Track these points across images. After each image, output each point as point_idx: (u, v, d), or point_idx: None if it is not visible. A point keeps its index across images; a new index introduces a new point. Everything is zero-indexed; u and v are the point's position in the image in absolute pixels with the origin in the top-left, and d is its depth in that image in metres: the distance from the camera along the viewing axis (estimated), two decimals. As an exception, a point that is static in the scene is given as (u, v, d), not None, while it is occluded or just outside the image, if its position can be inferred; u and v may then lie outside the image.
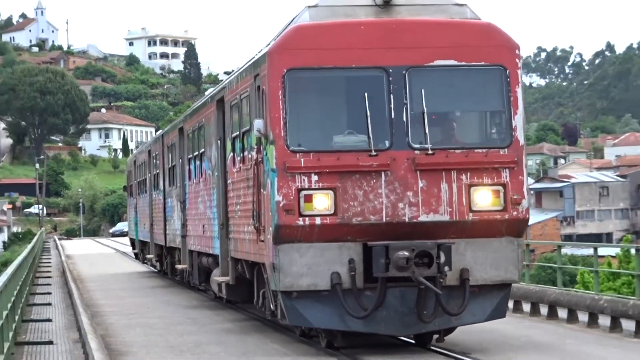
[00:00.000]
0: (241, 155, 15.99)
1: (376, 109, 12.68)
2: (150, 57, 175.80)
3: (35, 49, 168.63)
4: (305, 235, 12.61)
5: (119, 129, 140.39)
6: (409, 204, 12.62)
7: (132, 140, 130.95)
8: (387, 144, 12.70)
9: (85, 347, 16.10)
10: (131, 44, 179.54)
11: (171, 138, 28.87)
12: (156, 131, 51.97)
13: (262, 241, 13.56)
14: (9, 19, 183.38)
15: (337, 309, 12.61)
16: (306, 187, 12.49)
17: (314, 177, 12.47)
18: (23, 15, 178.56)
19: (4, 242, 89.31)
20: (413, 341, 14.53)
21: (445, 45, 13.08)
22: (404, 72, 12.80)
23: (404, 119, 12.74)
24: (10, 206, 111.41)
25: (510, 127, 13.16)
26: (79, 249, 71.51)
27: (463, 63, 13.12)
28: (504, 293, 13.47)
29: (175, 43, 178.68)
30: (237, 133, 16.46)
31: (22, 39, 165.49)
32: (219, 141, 19.11)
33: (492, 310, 13.30)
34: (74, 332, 19.56)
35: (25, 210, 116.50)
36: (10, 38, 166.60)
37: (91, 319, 21.06)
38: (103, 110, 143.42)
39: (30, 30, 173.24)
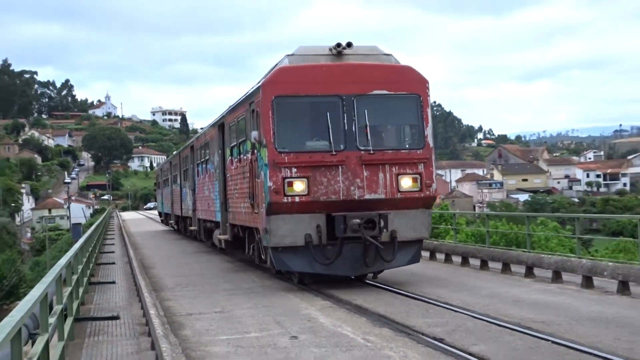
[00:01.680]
0: (238, 157, 20.90)
1: (334, 123, 16.98)
2: (163, 120, 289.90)
3: (106, 117, 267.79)
4: (288, 208, 16.67)
5: (147, 156, 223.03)
6: (358, 187, 16.90)
7: (154, 162, 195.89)
8: (342, 146, 16.96)
9: (130, 264, 25.65)
10: (154, 114, 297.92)
11: (185, 153, 38.16)
12: (167, 157, 65.94)
13: (256, 213, 17.89)
14: (92, 102, 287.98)
15: (308, 259, 16.74)
16: (288, 176, 16.62)
17: (294, 169, 16.67)
18: (99, 101, 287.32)
19: (91, 214, 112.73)
20: (353, 278, 18.44)
21: (379, 81, 17.48)
22: (352, 98, 17.16)
23: (353, 129, 17.06)
24: (94, 195, 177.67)
25: (423, 135, 17.76)
26: (128, 216, 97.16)
27: (391, 92, 17.69)
28: (418, 246, 18.11)
29: (176, 113, 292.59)
30: (235, 143, 21.48)
31: (99, 112, 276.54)
32: (220, 151, 24.63)
33: (411, 257, 17.98)
34: (125, 258, 29.24)
35: (101, 197, 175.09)
36: (93, 112, 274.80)
37: (135, 251, 31.90)
38: (140, 147, 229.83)
39: (102, 108, 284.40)
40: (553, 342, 11.09)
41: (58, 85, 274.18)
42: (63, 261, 12.47)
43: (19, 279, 66.21)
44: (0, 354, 5.56)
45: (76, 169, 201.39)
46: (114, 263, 27.27)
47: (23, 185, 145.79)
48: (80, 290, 15.61)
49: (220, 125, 24.75)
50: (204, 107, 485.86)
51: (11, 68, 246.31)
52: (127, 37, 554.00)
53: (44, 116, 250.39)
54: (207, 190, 28.44)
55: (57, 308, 10.59)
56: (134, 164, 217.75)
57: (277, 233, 16.56)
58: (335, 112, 17.05)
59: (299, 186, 16.59)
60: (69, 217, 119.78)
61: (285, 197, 16.48)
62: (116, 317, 14.64)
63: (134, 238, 43.03)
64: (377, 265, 17.36)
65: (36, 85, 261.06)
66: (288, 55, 17.78)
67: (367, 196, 16.89)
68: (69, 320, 11.90)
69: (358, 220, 16.05)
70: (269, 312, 14.64)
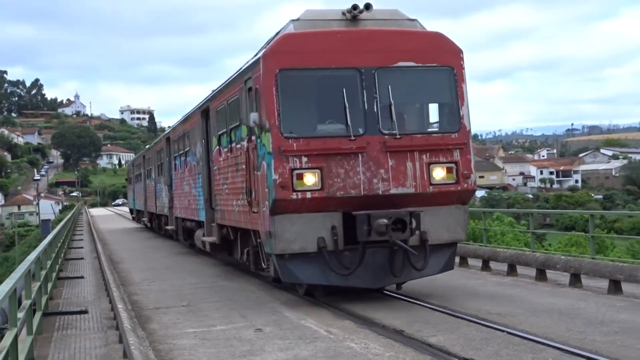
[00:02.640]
0: (229, 146, 16.62)
1: (352, 102, 13.10)
2: (132, 119, 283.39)
3: (75, 116, 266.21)
4: (297, 207, 12.83)
5: (116, 154, 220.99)
6: (382, 180, 13.03)
7: (123, 160, 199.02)
8: (361, 130, 13.12)
9: (99, 258, 24.80)
10: (122, 113, 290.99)
11: (160, 145, 33.29)
12: (135, 154, 61.14)
13: (255, 212, 13.94)
14: (61, 101, 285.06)
15: (322, 268, 12.93)
16: (298, 167, 12.80)
17: (304, 159, 12.79)
18: (68, 100, 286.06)
19: (59, 210, 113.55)
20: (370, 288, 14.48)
21: (405, 50, 13.62)
22: (373, 71, 13.33)
23: (375, 109, 13.21)
24: (63, 192, 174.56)
25: (458, 115, 13.79)
26: (97, 213, 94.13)
27: (420, 64, 13.71)
28: (452, 250, 14.24)
29: (144, 112, 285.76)
30: (224, 130, 17.11)
31: (68, 111, 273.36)
32: (203, 140, 20.41)
33: (444, 264, 14.09)
34: (94, 254, 27.96)
35: (70, 194, 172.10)
36: (62, 110, 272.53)
37: (103, 248, 30.66)
38: (108, 145, 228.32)
39: (71, 106, 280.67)
40: (508, 332, 11.11)
41: (28, 84, 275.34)
42: (32, 256, 12.40)
43: (-13, 275, 65.93)
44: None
45: (45, 167, 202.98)
46: (82, 258, 26.92)
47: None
48: (49, 285, 15.47)
49: (204, 111, 20.63)
50: (172, 107, 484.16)
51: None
52: (97, 38, 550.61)
53: (13, 114, 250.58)
54: (187, 185, 24.34)
55: (26, 303, 10.46)
56: (103, 162, 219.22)
57: (284, 237, 12.79)
58: (352, 89, 13.36)
59: (311, 179, 12.95)
60: (38, 214, 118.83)
61: (294, 193, 12.82)
62: (84, 312, 14.43)
63: (103, 235, 42.22)
64: (405, 275, 13.64)
65: (6, 84, 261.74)
66: (293, 20, 14.04)
67: (393, 190, 13.16)
68: (38, 315, 11.83)
69: (385, 221, 12.40)
70: (234, 306, 14.51)
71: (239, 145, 15.56)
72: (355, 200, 12.96)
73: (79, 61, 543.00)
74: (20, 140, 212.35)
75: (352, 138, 13.03)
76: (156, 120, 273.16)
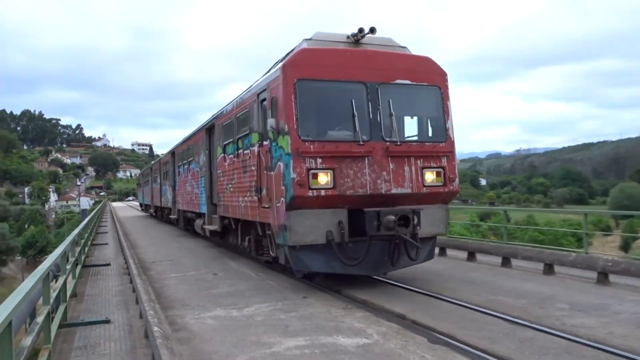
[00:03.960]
0: (235, 153, 12.95)
1: (359, 111, 9.95)
2: (138, 149, 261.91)
3: (103, 147, 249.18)
4: (311, 203, 9.49)
5: (128, 170, 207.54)
6: (384, 180, 9.92)
7: (132, 173, 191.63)
8: (366, 137, 9.94)
9: (117, 232, 23.97)
10: (133, 145, 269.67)
11: (165, 159, 28.96)
12: (141, 170, 56.00)
13: (266, 208, 10.46)
14: (94, 138, 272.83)
15: (329, 257, 9.70)
16: (313, 167, 9.59)
17: (319, 160, 9.60)
18: (99, 137, 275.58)
19: (93, 203, 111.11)
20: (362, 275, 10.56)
21: (402, 69, 10.58)
22: (377, 86, 10.25)
23: (378, 119, 10.07)
24: (95, 193, 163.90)
25: (445, 128, 10.69)
26: (116, 205, 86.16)
27: (414, 82, 10.63)
28: (433, 242, 10.99)
29: (146, 145, 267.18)
30: (231, 140, 13.32)
31: (99, 144, 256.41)
32: (206, 151, 16.87)
33: (428, 254, 10.74)
34: (115, 234, 24.85)
35: (100, 193, 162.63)
36: (95, 143, 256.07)
37: (120, 226, 29.09)
38: (124, 164, 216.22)
39: (100, 141, 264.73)
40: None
41: (73, 127, 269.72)
42: (75, 231, 12.09)
43: (47, 242, 63.01)
44: (36, 288, 5.36)
45: (84, 177, 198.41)
46: (107, 232, 25.97)
47: (50, 186, 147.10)
48: (86, 248, 15.00)
49: (208, 128, 16.80)
50: (164, 142, 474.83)
51: (44, 116, 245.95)
52: (118, 100, 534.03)
53: (64, 146, 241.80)
54: (190, 186, 20.09)
55: (72, 260, 10.20)
56: (120, 174, 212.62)
57: (298, 230, 9.60)
58: (359, 100, 10.19)
59: (324, 178, 9.81)
60: (79, 206, 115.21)
61: (310, 191, 9.59)
62: (108, 264, 14.05)
63: (120, 219, 40.20)
64: (401, 264, 10.38)
65: (59, 127, 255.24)
66: (306, 39, 10.93)
67: (393, 190, 10.05)
68: (79, 267, 11.48)
69: (393, 217, 9.49)
70: (201, 261, 14.35)
71: (247, 151, 11.93)
72: (361, 198, 9.76)
73: (106, 113, 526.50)
74: (68, 161, 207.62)
75: (361, 143, 9.84)
76: (154, 150, 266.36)
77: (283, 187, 9.53)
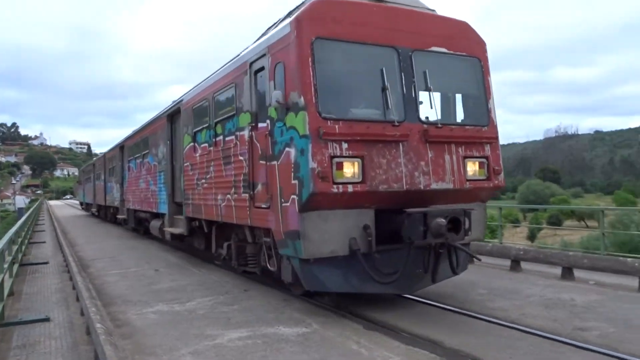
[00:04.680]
0: (212, 140, 9.89)
1: (391, 84, 7.14)
2: (76, 148, 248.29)
3: (40, 145, 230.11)
4: (333, 202, 6.60)
5: (66, 169, 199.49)
6: (423, 173, 7.16)
7: (70, 172, 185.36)
8: (401, 117, 7.12)
9: (56, 231, 22.96)
10: (70, 144, 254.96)
11: (111, 154, 24.91)
12: (79, 169, 49.34)
13: (264, 208, 7.54)
14: (31, 137, 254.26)
15: (352, 273, 6.91)
16: (338, 154, 6.63)
17: (344, 145, 6.65)
18: (36, 135, 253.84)
19: (29, 202, 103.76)
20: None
21: (437, 35, 7.79)
22: (410, 53, 7.43)
23: (413, 95, 7.29)
24: (31, 191, 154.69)
25: (487, 109, 8.03)
26: (53, 203, 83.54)
27: (451, 52, 7.90)
28: (468, 249, 7.71)
29: (84, 144, 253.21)
30: (205, 126, 10.33)
31: (35, 142, 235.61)
32: (168, 142, 13.52)
33: (465, 263, 8.09)
34: (53, 232, 23.54)
35: (36, 192, 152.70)
36: (31, 141, 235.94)
37: (59, 225, 27.89)
38: (61, 163, 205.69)
39: (37, 140, 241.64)
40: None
41: (9, 125, 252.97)
42: (12, 230, 11.34)
43: (-20, 243, 58.53)
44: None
45: (19, 175, 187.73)
46: (44, 231, 24.38)
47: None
48: (23, 247, 14.14)
49: (171, 115, 13.36)
50: (103, 141, 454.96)
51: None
52: (55, 99, 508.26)
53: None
54: (145, 182, 16.44)
55: (9, 258, 9.54)
56: (57, 173, 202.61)
57: (314, 238, 6.71)
58: (390, 70, 7.33)
59: (351, 169, 6.84)
60: (14, 204, 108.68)
61: (335, 186, 6.66)
62: (46, 262, 13.27)
63: (58, 217, 38.06)
64: (441, 277, 7.70)
65: None
66: None
67: (433, 185, 7.29)
68: (16, 266, 10.80)
69: (444, 221, 6.77)
70: (142, 257, 13.84)
71: (231, 137, 8.95)
72: (395, 195, 6.95)
73: (44, 112, 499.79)
74: (2, 159, 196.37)
75: (396, 124, 7.03)
76: (92, 149, 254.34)
77: (295, 181, 6.72)
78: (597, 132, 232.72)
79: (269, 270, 8.35)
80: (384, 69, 7.13)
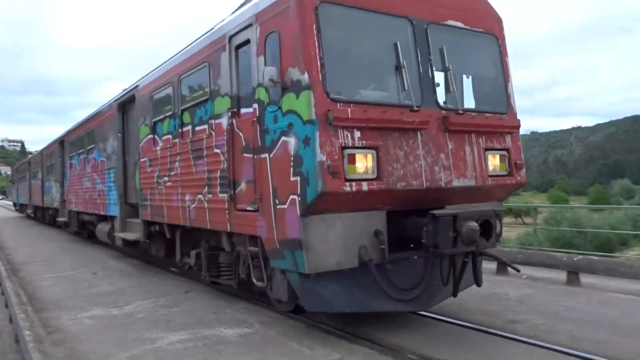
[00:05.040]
0: (178, 131, 8.35)
1: (406, 61, 5.84)
2: (9, 146, 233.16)
3: None
4: (342, 204, 5.35)
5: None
6: (443, 167, 5.86)
7: (2, 171, 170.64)
8: (418, 101, 5.84)
9: None
10: (2, 142, 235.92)
11: (50, 150, 22.39)
12: (11, 168, 42.86)
13: (251, 211, 6.20)
14: None
15: (361, 289, 5.71)
16: (350, 144, 5.31)
17: (357, 134, 5.34)
18: None
19: None
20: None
21: (452, 7, 6.48)
22: (425, 26, 6.12)
23: (430, 75, 6.02)
24: None
25: (506, 94, 6.81)
26: None
27: (468, 27, 6.60)
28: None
29: (17, 142, 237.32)
30: (169, 114, 8.79)
31: None
32: (120, 134, 11.86)
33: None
34: None
35: None
36: None
37: None
38: None
39: None
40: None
41: None
42: None
43: None
44: None
45: None
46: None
47: None
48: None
49: (123, 104, 11.65)
50: (38, 139, 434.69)
51: None
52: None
53: None
54: (90, 181, 14.53)
55: None
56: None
57: (320, 248, 5.27)
58: (405, 44, 5.94)
59: (364, 164, 5.36)
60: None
61: (347, 184, 5.19)
62: (-26, 268, 12.50)
63: None
64: (462, 289, 6.52)
65: None
66: None
67: (455, 182, 5.99)
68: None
69: (476, 225, 5.45)
70: (79, 260, 13.30)
71: (203, 127, 7.48)
72: (412, 194, 5.71)
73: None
74: None
75: (415, 109, 5.79)
76: (26, 146, 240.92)
77: (295, 178, 5.38)
78: (533, 132, 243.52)
79: (247, 283, 7.22)
80: (398, 43, 5.88)
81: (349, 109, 5.29)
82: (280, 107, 5.63)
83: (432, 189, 5.80)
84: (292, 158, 5.42)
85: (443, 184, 5.87)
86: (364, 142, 5.38)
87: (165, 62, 9.36)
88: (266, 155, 5.87)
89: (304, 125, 5.28)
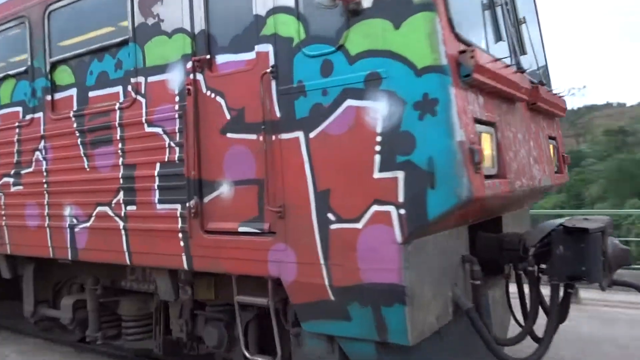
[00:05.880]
0: (44, 100, 5.13)
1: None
2: None
3: None
4: (456, 219, 3.24)
5: None
6: (535, 160, 4.07)
7: None
8: (513, 59, 3.89)
9: None
10: None
11: None
12: None
13: (254, 234, 3.62)
14: None
15: (446, 349, 3.58)
16: (477, 116, 3.12)
17: (480, 100, 3.17)
18: None
19: None
20: None
21: None
22: None
23: (512, 24, 4.17)
24: None
25: (545, 63, 5.12)
26: None
27: None
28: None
29: None
30: (20, 70, 5.41)
31: None
32: None
33: None
34: None
35: None
36: None
37: None
38: None
39: None
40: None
41: None
42: None
43: None
44: None
45: None
46: None
47: None
48: None
49: None
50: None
51: None
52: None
53: None
54: None
55: None
56: None
57: (423, 297, 2.96)
58: None
59: (487, 151, 3.10)
60: None
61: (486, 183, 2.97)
62: None
63: None
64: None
65: None
66: None
67: (543, 180, 4.01)
68: None
69: (622, 245, 3.61)
70: None
71: (112, 90, 4.57)
72: (507, 199, 3.71)
73: None
74: None
75: (520, 71, 3.87)
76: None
77: (389, 175, 3.11)
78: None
79: (172, 343, 4.87)
80: None
81: (487, 57, 3.21)
82: (342, 47, 3.26)
83: (528, 190, 3.87)
84: (378, 137, 3.10)
85: (537, 182, 4.00)
86: (486, 114, 3.29)
87: None
88: (298, 134, 3.45)
89: (418, 76, 2.97)
